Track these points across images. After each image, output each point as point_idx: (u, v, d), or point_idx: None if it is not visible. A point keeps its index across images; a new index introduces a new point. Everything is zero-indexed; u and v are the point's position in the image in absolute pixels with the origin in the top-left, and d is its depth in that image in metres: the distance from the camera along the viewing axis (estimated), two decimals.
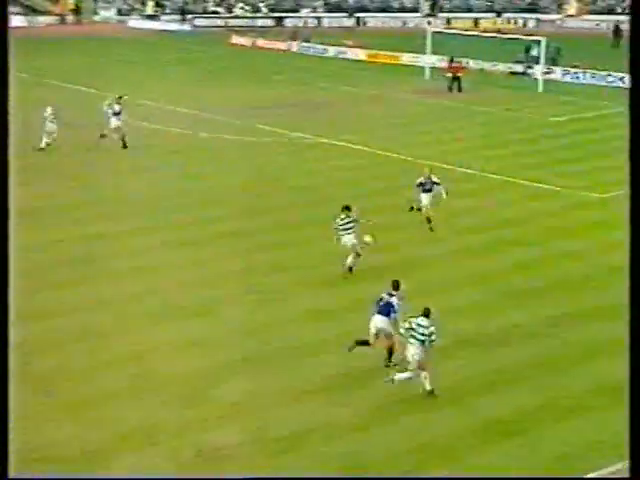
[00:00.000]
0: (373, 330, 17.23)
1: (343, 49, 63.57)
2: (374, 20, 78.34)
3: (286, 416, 15.81)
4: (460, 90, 48.37)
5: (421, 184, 25.43)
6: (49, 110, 34.04)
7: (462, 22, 75.76)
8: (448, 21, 76.12)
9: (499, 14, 76.97)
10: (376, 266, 22.87)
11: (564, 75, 52.28)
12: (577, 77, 51.94)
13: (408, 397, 16.40)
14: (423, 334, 16.09)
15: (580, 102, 45.90)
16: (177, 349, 18.58)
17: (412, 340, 16.18)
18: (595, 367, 17.56)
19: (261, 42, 68.81)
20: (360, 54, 61.87)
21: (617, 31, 64.18)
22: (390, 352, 17.22)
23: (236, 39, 70.29)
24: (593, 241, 24.97)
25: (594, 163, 33.51)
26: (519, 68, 54.39)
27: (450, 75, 49.03)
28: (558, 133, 39.34)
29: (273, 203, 28.98)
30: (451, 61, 50.08)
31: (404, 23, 77.71)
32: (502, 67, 55.01)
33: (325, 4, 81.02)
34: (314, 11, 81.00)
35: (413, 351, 16.13)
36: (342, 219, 22.16)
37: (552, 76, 51.57)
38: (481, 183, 31.23)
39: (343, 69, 58.04)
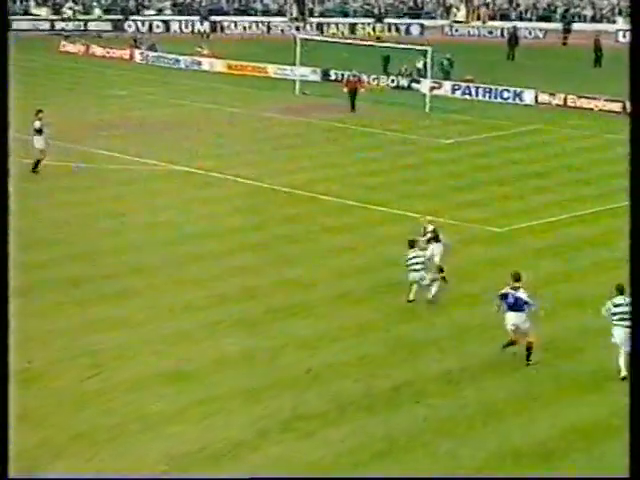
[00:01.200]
0: (511, 327, 20.37)
1: (197, 59, 63.63)
2: (233, 25, 78.49)
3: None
4: (353, 108, 48.90)
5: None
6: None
7: (336, 28, 77.17)
8: (320, 27, 77.33)
9: (379, 19, 78.65)
10: (242, 318, 23.12)
11: (454, 90, 53.76)
12: (469, 92, 53.48)
13: (281, 474, 16.39)
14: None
15: (473, 122, 47.30)
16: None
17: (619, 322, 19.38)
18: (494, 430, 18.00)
19: (97, 50, 68.10)
20: (218, 65, 62.04)
21: (512, 39, 66.50)
22: (529, 349, 20.33)
23: (66, 46, 69.34)
24: (492, 281, 25.61)
25: (488, 192, 34.49)
26: (403, 82, 55.70)
27: (347, 91, 49.52)
28: (449, 157, 40.36)
29: (120, 243, 28.74)
30: (349, 75, 50.92)
31: (268, 29, 78.38)
32: (384, 80, 56.21)
33: (173, 5, 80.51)
34: (160, 13, 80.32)
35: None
36: (411, 256, 23.93)
37: (440, 91, 52.95)
38: (361, 216, 31.69)
39: (197, 82, 58.09)
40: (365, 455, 17.00)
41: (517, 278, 20.51)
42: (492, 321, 21.85)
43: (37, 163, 35.60)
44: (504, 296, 20.48)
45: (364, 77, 52.83)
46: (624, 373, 19.10)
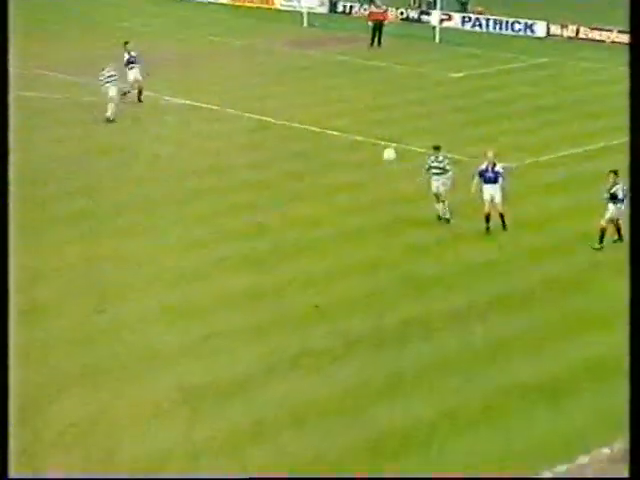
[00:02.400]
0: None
1: None
2: None
3: (140, 436, 15.83)
4: (380, 43, 48.16)
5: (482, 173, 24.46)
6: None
7: None
8: None
9: None
10: (249, 255, 23.22)
11: (464, 23, 53.23)
12: (479, 25, 52.93)
13: (288, 410, 16.59)
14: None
15: (483, 55, 46.88)
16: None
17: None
18: (501, 366, 18.12)
19: None
20: None
21: None
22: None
23: None
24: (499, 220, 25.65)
25: (498, 127, 34.29)
26: (413, 14, 55.13)
27: (372, 24, 48.54)
28: (458, 91, 40.08)
29: (124, 177, 28.82)
30: (371, 4, 50.01)
31: None
32: (394, 13, 55.59)
33: None
34: None
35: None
36: (433, 160, 25.09)
37: (450, 24, 52.47)
38: (370, 152, 31.58)
39: (205, 15, 57.54)
40: (372, 391, 17.18)
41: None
42: (500, 258, 21.93)
43: (139, 93, 36.07)
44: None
45: (388, 9, 51.47)
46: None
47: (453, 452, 15.45)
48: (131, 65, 36.22)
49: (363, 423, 16.23)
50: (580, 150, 31.68)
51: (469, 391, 17.20)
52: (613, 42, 48.86)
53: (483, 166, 24.17)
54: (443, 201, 24.93)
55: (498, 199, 23.93)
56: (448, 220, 24.93)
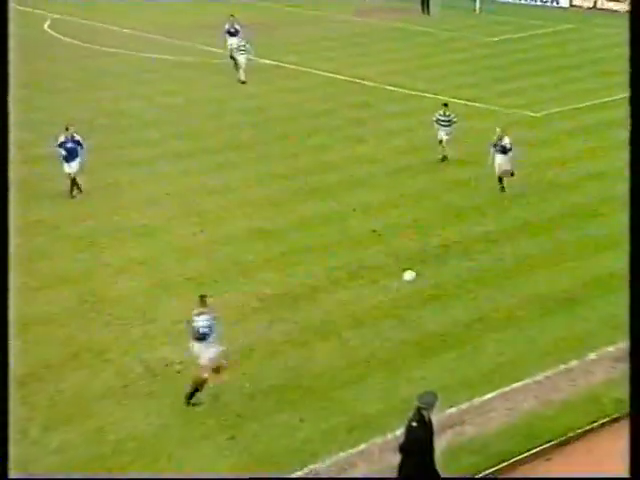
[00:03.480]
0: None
1: None
2: None
3: (230, 333, 15.84)
4: (429, 12, 47.43)
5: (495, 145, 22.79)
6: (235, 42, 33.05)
7: None
8: None
9: None
10: (319, 187, 23.09)
11: None
12: None
13: (349, 313, 16.55)
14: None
15: (514, 22, 45.65)
16: (120, 270, 18.48)
17: None
18: (527, 280, 17.85)
19: None
20: None
21: None
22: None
23: None
24: (528, 159, 25.13)
25: (527, 82, 33.54)
26: None
27: None
28: (493, 53, 39.15)
29: (221, 124, 28.76)
30: None
31: None
32: None
33: None
34: None
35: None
36: (442, 114, 24.52)
37: None
38: (419, 103, 31.08)
39: None
40: (419, 300, 17.04)
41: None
42: (526, 191, 21.52)
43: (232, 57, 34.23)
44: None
45: None
46: None
47: (484, 350, 15.33)
48: (231, 34, 34.94)
49: (410, 325, 16.14)
50: (597, 102, 30.82)
51: (499, 300, 17.00)
52: (626, 11, 47.24)
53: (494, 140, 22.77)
54: (444, 146, 24.62)
55: (507, 166, 22.58)
56: (445, 158, 24.74)
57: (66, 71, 35.55)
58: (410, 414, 10.91)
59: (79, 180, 22.15)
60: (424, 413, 10.88)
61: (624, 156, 26.10)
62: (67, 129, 21.91)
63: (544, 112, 29.69)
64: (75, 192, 22.14)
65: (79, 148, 21.91)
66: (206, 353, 13.73)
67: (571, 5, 49.30)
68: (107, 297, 17.33)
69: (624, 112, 27.57)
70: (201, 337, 13.76)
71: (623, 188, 22.19)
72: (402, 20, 46.19)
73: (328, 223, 20.90)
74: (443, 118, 24.62)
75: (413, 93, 32.34)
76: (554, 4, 49.80)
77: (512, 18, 46.48)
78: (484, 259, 18.87)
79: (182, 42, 40.44)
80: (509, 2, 51.12)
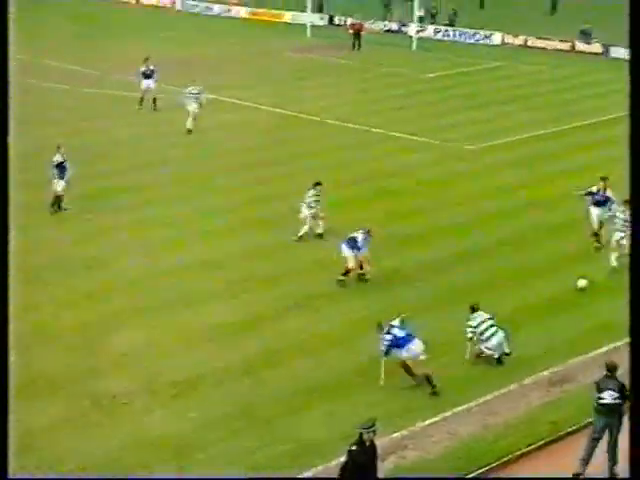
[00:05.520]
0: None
1: (227, 7, 62.29)
2: None
3: (178, 363, 15.72)
4: (359, 47, 48.40)
5: (591, 194, 21.01)
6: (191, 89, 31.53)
7: None
8: None
9: None
10: (263, 218, 23.05)
11: (436, 33, 52.73)
12: (448, 35, 52.49)
13: (294, 341, 16.51)
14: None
15: (449, 59, 46.41)
16: (68, 302, 18.19)
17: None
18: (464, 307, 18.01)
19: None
20: (243, 12, 60.81)
21: None
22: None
23: None
24: (464, 190, 25.49)
25: (462, 117, 34.06)
26: (394, 26, 54.53)
27: (352, 32, 49.12)
28: (430, 88, 39.72)
29: (166, 156, 28.63)
30: (353, 20, 50.37)
31: None
32: (379, 25, 55.02)
33: None
34: None
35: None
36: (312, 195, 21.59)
37: (425, 34, 51.95)
38: (360, 136, 31.35)
39: (227, 26, 56.98)
40: (361, 327, 16.97)
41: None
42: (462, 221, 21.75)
43: (141, 100, 33.93)
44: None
45: (364, 22, 51.65)
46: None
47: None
48: (147, 76, 34.03)
49: (354, 352, 16.11)
50: (527, 135, 31.44)
51: (440, 326, 17.01)
52: (554, 49, 48.46)
53: None
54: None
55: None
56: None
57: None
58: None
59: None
60: (364, 437, 11.01)
61: (555, 187, 26.80)
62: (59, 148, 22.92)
63: (478, 145, 30.18)
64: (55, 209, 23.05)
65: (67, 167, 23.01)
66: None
67: (503, 43, 50.35)
68: (55, 329, 17.03)
69: (554, 145, 28.40)
70: None
71: (556, 217, 22.73)
72: (341, 57, 46.64)
73: (273, 253, 20.87)
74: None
75: (354, 127, 32.59)
76: (487, 41, 50.81)
77: (447, 55, 47.26)
78: (425, 287, 18.99)
79: (121, 77, 40.21)
80: (444, 40, 52.02)
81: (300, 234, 21.60)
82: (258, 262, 20.34)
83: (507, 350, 15.69)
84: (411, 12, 50.89)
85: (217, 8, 62.23)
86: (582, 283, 18.63)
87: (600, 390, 12.63)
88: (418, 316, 17.42)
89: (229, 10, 61.81)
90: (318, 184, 21.72)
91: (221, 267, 20.03)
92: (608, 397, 12.53)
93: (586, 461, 12.65)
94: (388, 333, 14.67)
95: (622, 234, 19.11)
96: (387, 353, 14.70)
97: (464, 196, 24.77)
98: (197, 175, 26.81)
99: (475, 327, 15.67)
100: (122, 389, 14.81)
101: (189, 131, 31.05)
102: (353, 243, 18.90)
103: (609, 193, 20.51)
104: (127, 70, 41.30)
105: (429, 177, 26.76)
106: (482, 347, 15.63)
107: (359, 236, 18.89)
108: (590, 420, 13.63)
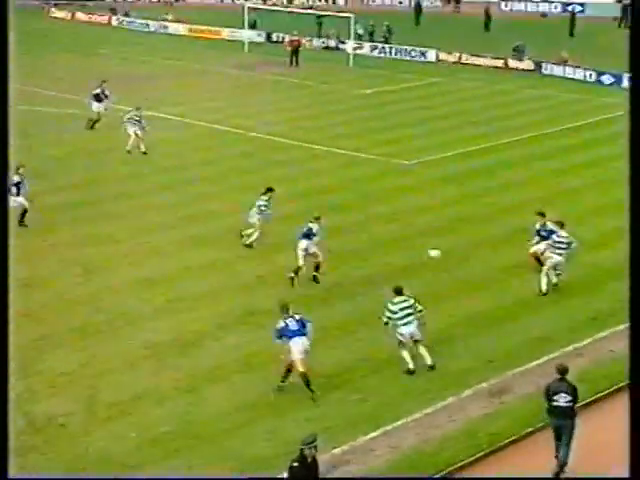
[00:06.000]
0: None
1: (164, 23, 61.95)
2: None
3: (117, 383, 15.49)
4: (297, 64, 48.51)
5: (538, 232, 20.36)
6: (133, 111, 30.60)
7: None
8: None
9: None
10: (204, 235, 22.91)
11: (372, 50, 53.23)
12: (384, 52, 53.02)
13: (237, 358, 16.41)
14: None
15: (386, 75, 46.87)
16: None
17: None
18: None
19: (81, 16, 66.03)
20: (181, 29, 60.55)
21: (417, 8, 65.68)
22: None
23: (55, 12, 67.14)
24: (403, 205, 25.70)
25: (399, 132, 34.37)
26: (332, 43, 54.90)
27: (290, 49, 49.19)
28: (368, 104, 40.03)
29: (104, 174, 28.28)
30: (291, 36, 50.45)
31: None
32: (316, 42, 55.33)
33: None
34: None
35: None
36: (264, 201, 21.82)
37: (362, 51, 52.40)
38: (300, 152, 31.42)
39: (164, 43, 56.69)
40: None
41: None
42: (399, 236, 21.77)
43: (94, 123, 33.19)
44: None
45: (302, 39, 51.93)
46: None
47: (366, 390, 15.42)
48: (99, 100, 33.45)
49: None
50: (463, 150, 31.86)
51: (381, 341, 17.10)
52: (488, 66, 49.30)
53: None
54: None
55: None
56: None
57: None
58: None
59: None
60: (306, 453, 11.00)
61: (490, 201, 27.20)
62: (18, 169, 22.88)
63: (415, 160, 30.48)
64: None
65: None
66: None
67: (438, 60, 51.02)
68: None
69: (489, 160, 28.85)
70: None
71: (492, 230, 23.07)
72: (280, 74, 46.76)
73: (214, 270, 20.75)
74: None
75: (292, 143, 32.66)
76: (422, 58, 51.43)
77: (383, 71, 47.71)
78: (365, 301, 19.05)
79: (60, 94, 39.66)
80: (380, 57, 52.52)
81: (250, 240, 21.81)
82: (198, 279, 20.19)
83: (419, 337, 15.85)
84: (347, 29, 51.31)
85: (153, 24, 61.91)
86: (434, 253, 19.49)
87: (553, 393, 12.88)
88: (358, 330, 17.55)
89: (166, 27, 61.54)
90: (270, 190, 22.04)
91: (161, 284, 19.85)
92: (561, 400, 12.81)
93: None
94: (284, 320, 15.11)
95: (559, 257, 19.21)
96: (276, 337, 15.22)
97: (402, 211, 24.96)
98: (136, 192, 26.54)
99: (394, 313, 15.77)
100: (59, 410, 14.52)
101: (128, 152, 30.58)
102: (309, 232, 19.65)
103: (551, 225, 19.98)
104: (60, 86, 40.80)
105: (368, 192, 26.92)
106: (396, 332, 15.79)
107: (314, 226, 19.69)
108: (530, 430, 13.86)
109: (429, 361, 15.93)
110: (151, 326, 17.75)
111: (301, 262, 19.61)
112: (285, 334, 15.05)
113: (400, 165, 30.16)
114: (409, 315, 15.81)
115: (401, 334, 15.79)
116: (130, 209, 25.00)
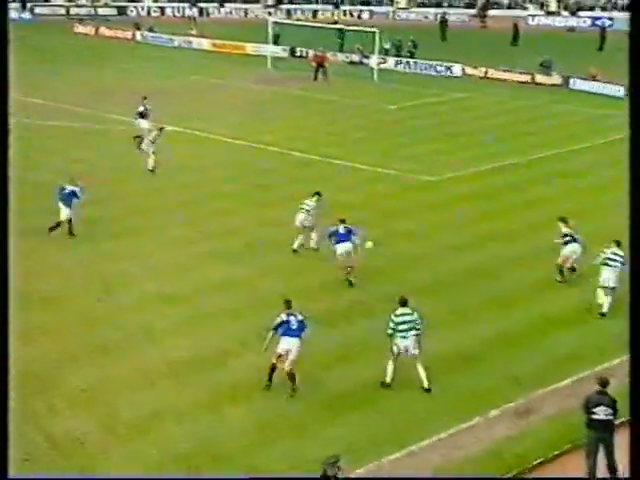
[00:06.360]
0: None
1: (187, 38, 62.46)
2: (217, 10, 77.19)
3: (136, 400, 15.49)
4: (326, 79, 48.41)
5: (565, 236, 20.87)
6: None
7: (302, 13, 75.87)
8: (288, 13, 75.97)
9: (337, 6, 77.38)
10: (226, 251, 22.94)
11: (397, 65, 53.29)
12: (409, 67, 53.06)
13: (258, 376, 16.36)
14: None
15: (411, 91, 46.88)
16: (24, 337, 17.84)
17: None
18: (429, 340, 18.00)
19: (105, 31, 66.70)
20: (204, 44, 61.00)
21: (443, 22, 65.81)
22: None
23: (79, 28, 67.87)
24: (427, 221, 25.61)
25: (424, 148, 34.32)
26: (356, 58, 55.04)
27: (315, 64, 49.29)
28: (392, 120, 40.05)
29: (126, 189, 28.40)
30: (317, 51, 50.50)
31: (246, 13, 76.96)
32: (340, 56, 55.50)
33: None
34: (157, 0, 78.93)
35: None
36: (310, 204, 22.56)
37: (386, 66, 52.48)
38: (322, 168, 31.43)
39: (188, 58, 57.10)
40: (325, 360, 16.92)
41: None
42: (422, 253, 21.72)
43: (140, 141, 31.64)
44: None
45: (327, 54, 51.95)
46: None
47: (390, 409, 15.32)
48: (143, 116, 33.43)
49: (318, 386, 16.02)
50: (489, 167, 31.74)
51: (403, 360, 17.03)
52: (514, 81, 49.21)
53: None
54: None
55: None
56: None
57: None
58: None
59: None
60: (329, 473, 10.95)
61: (519, 218, 27.03)
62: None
63: (440, 176, 30.40)
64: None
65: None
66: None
67: (464, 74, 51.00)
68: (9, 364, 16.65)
69: (517, 177, 28.65)
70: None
71: (520, 248, 22.91)
72: (303, 89, 46.90)
73: (236, 287, 20.74)
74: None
75: (315, 158, 32.70)
76: (448, 73, 51.44)
77: (409, 87, 47.73)
78: (387, 319, 18.88)
79: (86, 110, 40.01)
80: (406, 72, 52.56)
81: (295, 246, 22.32)
82: (220, 295, 20.18)
83: (415, 352, 15.71)
84: (373, 44, 51.42)
85: (177, 40, 62.42)
86: (369, 244, 20.40)
87: (593, 405, 12.73)
88: (380, 347, 17.47)
89: (190, 42, 62.02)
90: (317, 194, 22.73)
91: (182, 301, 19.85)
92: (601, 413, 12.67)
93: (594, 475, 12.74)
94: (287, 316, 15.57)
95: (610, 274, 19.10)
96: (272, 329, 15.67)
97: (426, 227, 24.86)
98: (156, 208, 26.63)
99: (398, 324, 15.72)
100: (78, 427, 14.53)
101: (151, 171, 30.35)
102: (347, 233, 20.35)
103: (569, 230, 20.58)
104: (87, 102, 41.15)
105: (391, 208, 26.85)
106: (392, 343, 15.74)
107: (344, 228, 20.45)
108: (556, 453, 13.70)
109: (425, 383, 15.75)
110: (171, 343, 17.75)
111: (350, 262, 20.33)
112: (283, 330, 15.46)
113: (424, 181, 30.08)
114: (409, 329, 15.72)
115: (396, 345, 15.71)
116: (150, 225, 25.08)
